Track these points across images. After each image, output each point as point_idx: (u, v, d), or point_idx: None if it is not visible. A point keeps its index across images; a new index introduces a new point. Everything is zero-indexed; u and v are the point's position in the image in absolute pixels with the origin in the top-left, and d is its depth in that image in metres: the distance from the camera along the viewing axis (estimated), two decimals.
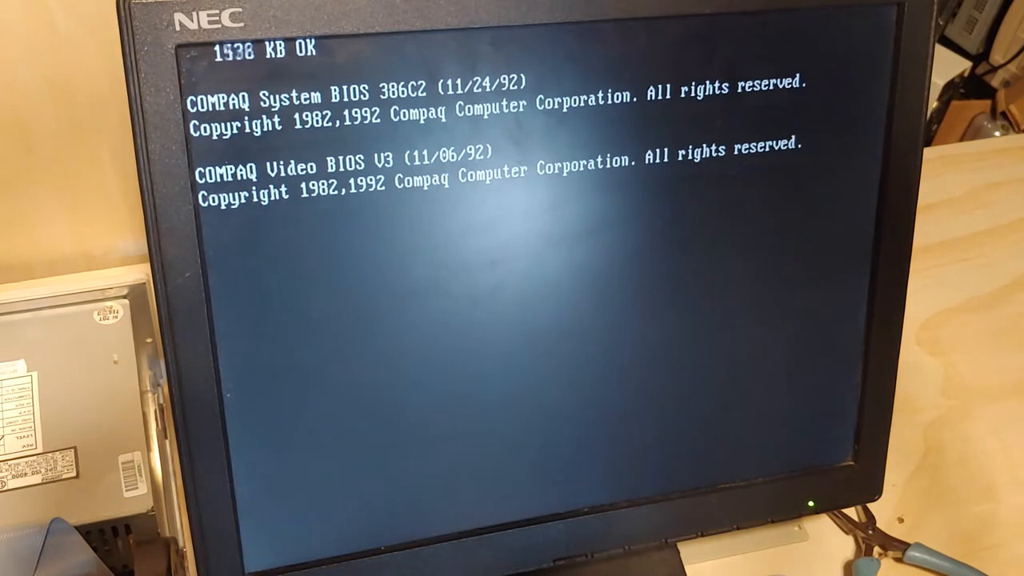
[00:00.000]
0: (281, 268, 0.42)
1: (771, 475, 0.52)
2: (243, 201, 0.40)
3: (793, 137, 0.47)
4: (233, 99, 0.39)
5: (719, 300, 0.48)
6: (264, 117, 0.39)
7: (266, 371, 0.43)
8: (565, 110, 0.43)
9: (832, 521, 0.59)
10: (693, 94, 0.44)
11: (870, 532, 0.58)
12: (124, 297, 0.57)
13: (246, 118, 0.39)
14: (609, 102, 0.43)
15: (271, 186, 0.40)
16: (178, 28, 0.37)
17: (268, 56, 0.39)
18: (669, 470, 0.50)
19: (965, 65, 1.31)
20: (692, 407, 0.50)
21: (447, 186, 0.43)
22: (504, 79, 0.42)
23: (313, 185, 0.41)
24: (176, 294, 0.40)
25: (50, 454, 0.50)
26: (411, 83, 0.41)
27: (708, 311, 0.48)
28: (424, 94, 0.41)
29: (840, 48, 0.46)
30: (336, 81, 0.40)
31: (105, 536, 0.49)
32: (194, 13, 0.37)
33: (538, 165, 0.43)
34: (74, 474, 0.49)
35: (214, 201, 0.40)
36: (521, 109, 0.42)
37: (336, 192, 0.41)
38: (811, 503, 0.53)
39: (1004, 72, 1.37)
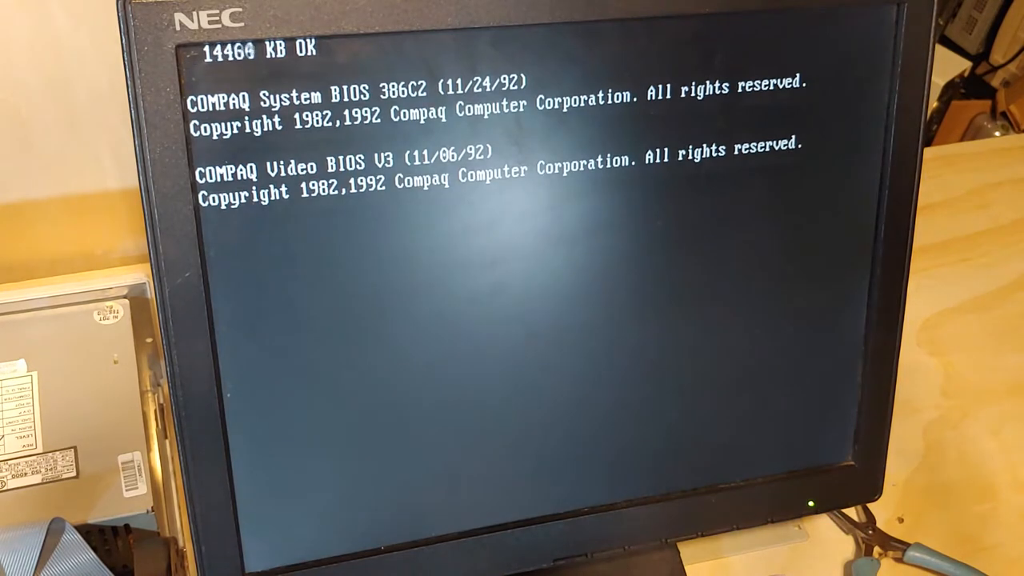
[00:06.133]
0: (281, 268, 0.42)
1: (771, 475, 0.52)
2: (243, 201, 0.40)
3: (793, 137, 0.47)
4: (233, 99, 0.39)
5: (719, 300, 0.48)
6: (264, 117, 0.39)
7: (266, 371, 0.43)
8: (565, 110, 0.43)
9: (832, 521, 0.59)
10: (693, 94, 0.44)
11: (870, 532, 0.58)
12: (124, 297, 0.57)
13: (246, 118, 0.39)
14: (609, 102, 0.43)
15: (271, 186, 0.40)
16: (178, 28, 0.37)
17: (268, 56, 0.39)
18: (669, 470, 0.50)
19: (965, 65, 1.31)
20: (692, 407, 0.50)
21: (447, 186, 0.43)
22: (504, 79, 0.42)
23: (313, 185, 0.41)
24: (176, 294, 0.40)
25: (50, 454, 0.50)
26: (411, 83, 0.41)
27: (708, 311, 0.48)
28: (424, 94, 0.41)
29: (840, 48, 0.46)
30: (336, 81, 0.40)
31: (105, 536, 0.49)
32: (194, 13, 0.37)
33: (538, 165, 0.43)
34: (74, 474, 0.49)
35: (214, 201, 0.40)
36: (521, 109, 0.42)
37: (336, 192, 0.41)
38: (811, 503, 0.53)
39: (1004, 72, 1.38)
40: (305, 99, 0.40)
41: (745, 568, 0.56)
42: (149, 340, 0.58)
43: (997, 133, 1.32)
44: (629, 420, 0.49)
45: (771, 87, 0.45)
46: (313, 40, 0.39)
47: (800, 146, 0.47)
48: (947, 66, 1.28)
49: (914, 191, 0.49)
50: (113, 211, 0.66)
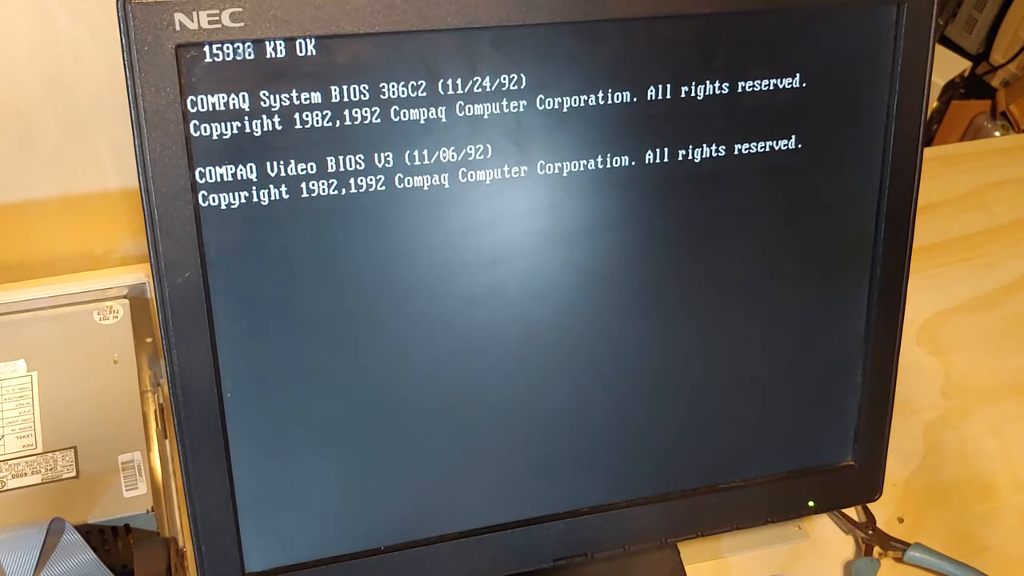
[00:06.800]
0: (281, 268, 0.42)
1: (771, 475, 0.52)
2: (243, 201, 0.40)
3: (793, 137, 0.47)
4: (233, 99, 0.39)
5: (719, 300, 0.48)
6: (264, 117, 0.39)
7: (266, 371, 0.43)
8: (565, 110, 0.43)
9: (832, 521, 0.59)
10: (693, 94, 0.44)
11: (870, 532, 0.58)
12: (124, 297, 0.57)
13: (246, 118, 0.39)
14: (609, 102, 0.43)
15: (271, 186, 0.40)
16: (178, 28, 0.37)
17: (268, 56, 0.39)
18: (669, 470, 0.50)
19: (965, 65, 1.31)
20: (692, 407, 0.50)
21: (447, 186, 0.43)
22: (504, 79, 0.42)
23: (313, 185, 0.41)
24: (176, 294, 0.40)
25: (50, 454, 0.50)
26: (411, 83, 0.41)
27: (708, 311, 0.48)
28: (424, 94, 0.41)
29: (840, 48, 0.46)
30: (336, 81, 0.40)
31: (105, 536, 0.49)
32: (194, 13, 0.37)
33: (538, 165, 0.43)
34: (74, 474, 0.49)
35: (214, 201, 0.40)
36: (521, 109, 0.42)
37: (336, 192, 0.41)
38: (811, 503, 0.53)
39: (1004, 72, 1.38)
40: (305, 99, 0.40)
41: (745, 568, 0.56)
42: (149, 340, 0.58)
43: (997, 133, 1.32)
44: (629, 420, 0.49)
45: (771, 87, 0.45)
46: (313, 40, 0.39)
47: (800, 146, 0.47)
48: (947, 66, 1.28)
49: (914, 191, 0.49)
50: (113, 211, 0.66)
